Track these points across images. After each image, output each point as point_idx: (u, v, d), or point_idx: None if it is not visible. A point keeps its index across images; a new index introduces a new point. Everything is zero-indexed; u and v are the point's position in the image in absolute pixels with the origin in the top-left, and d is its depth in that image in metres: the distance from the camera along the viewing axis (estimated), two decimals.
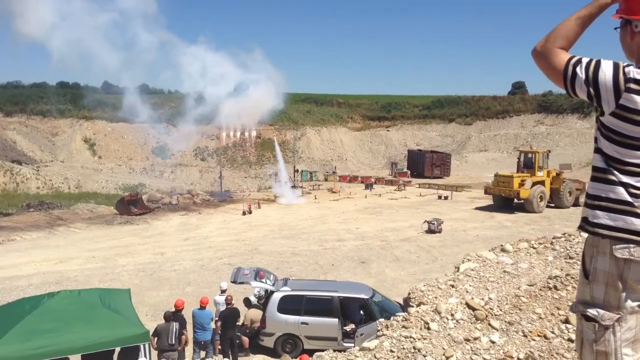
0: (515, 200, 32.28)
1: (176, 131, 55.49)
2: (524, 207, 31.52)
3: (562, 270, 9.20)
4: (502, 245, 11.19)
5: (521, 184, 31.31)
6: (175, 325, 11.21)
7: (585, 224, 2.43)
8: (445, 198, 38.36)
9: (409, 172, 53.07)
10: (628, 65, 2.24)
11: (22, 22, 40.06)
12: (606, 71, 2.22)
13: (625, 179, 2.29)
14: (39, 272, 20.03)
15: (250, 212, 33.75)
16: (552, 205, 32.84)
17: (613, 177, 2.31)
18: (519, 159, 34.46)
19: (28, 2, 40.37)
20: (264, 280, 13.57)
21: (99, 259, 22.09)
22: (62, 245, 25.00)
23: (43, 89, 69.52)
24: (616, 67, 2.23)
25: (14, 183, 43.56)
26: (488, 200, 34.45)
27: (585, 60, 2.28)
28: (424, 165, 52.15)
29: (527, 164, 33.21)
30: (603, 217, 2.34)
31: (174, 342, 11.11)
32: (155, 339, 11.00)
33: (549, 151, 36.20)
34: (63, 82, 73.99)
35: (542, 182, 32.12)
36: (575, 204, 32.28)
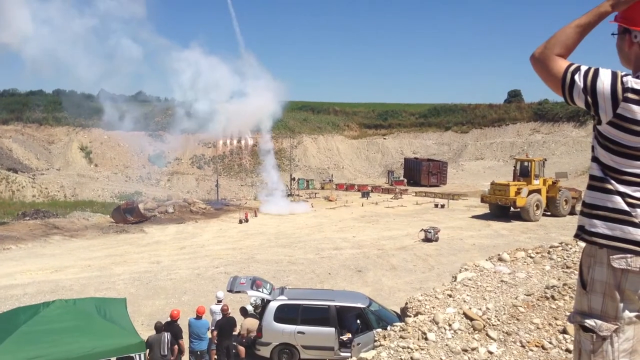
0: (512, 209, 32.30)
1: (172, 139, 55.56)
2: (521, 215, 31.54)
3: (559, 279, 9.19)
4: (499, 255, 11.18)
5: (517, 193, 31.34)
6: (166, 336, 11.14)
7: (582, 233, 2.43)
8: (442, 206, 38.38)
9: (405, 180, 53.09)
10: (626, 75, 2.24)
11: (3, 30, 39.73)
12: (604, 80, 2.22)
13: (622, 188, 2.29)
14: (34, 281, 19.92)
15: (246, 221, 33.71)
16: (549, 213, 32.90)
17: (610, 186, 2.31)
18: (515, 167, 34.51)
19: (9, 8, 39.89)
20: (260, 289, 13.51)
21: (94, 268, 21.99)
22: (57, 254, 24.89)
23: (39, 96, 69.48)
24: (614, 76, 2.22)
25: (9, 191, 43.48)
26: (484, 209, 34.49)
27: (583, 68, 2.28)
28: (420, 174, 52.19)
29: (523, 173, 33.27)
30: (601, 226, 2.34)
31: (166, 352, 11.04)
32: (148, 350, 10.91)
33: (545, 159, 36.34)
34: (59, 89, 73.85)
35: (538, 191, 32.17)
36: (572, 212, 32.35)
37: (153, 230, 31.15)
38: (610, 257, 2.31)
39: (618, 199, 2.29)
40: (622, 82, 2.21)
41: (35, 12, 40.65)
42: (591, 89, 2.24)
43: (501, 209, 32.70)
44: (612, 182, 2.31)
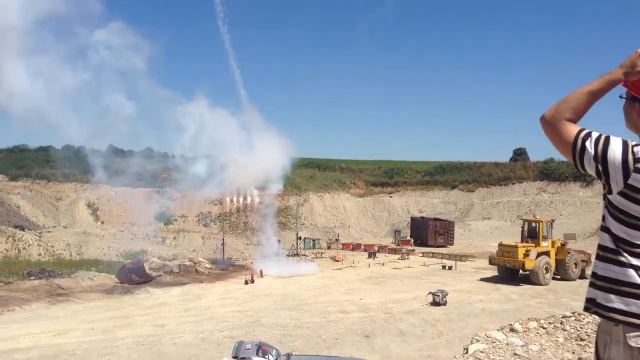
0: (521, 272, 31.75)
1: (178, 196, 55.87)
2: (530, 278, 30.93)
3: (573, 353, 9.00)
4: (510, 325, 11.01)
5: (526, 255, 30.86)
6: None
7: (593, 306, 2.38)
8: (450, 268, 37.92)
9: (412, 240, 52.68)
10: (637, 145, 2.25)
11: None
12: (615, 149, 2.23)
13: (635, 261, 2.25)
14: (37, 345, 19.58)
15: (252, 281, 33.37)
16: (558, 277, 32.25)
17: (623, 259, 2.27)
18: (522, 228, 34.18)
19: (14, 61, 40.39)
20: (266, 355, 13.25)
21: (97, 331, 21.64)
22: (61, 316, 24.58)
23: (48, 153, 70.27)
24: (625, 145, 2.24)
25: (15, 250, 43.40)
26: (493, 271, 33.97)
27: (594, 134, 2.29)
28: (427, 233, 51.89)
29: (531, 234, 32.90)
30: (616, 301, 2.29)
31: None
32: None
33: (553, 220, 35.91)
34: (68, 145, 74.48)
35: (547, 253, 31.60)
36: (582, 276, 31.50)
37: (158, 291, 30.82)
38: (627, 335, 2.25)
39: (632, 272, 2.25)
40: (633, 152, 2.22)
41: (35, 68, 41.47)
42: (602, 158, 2.24)
43: (510, 272, 32.08)
44: (625, 254, 2.27)
